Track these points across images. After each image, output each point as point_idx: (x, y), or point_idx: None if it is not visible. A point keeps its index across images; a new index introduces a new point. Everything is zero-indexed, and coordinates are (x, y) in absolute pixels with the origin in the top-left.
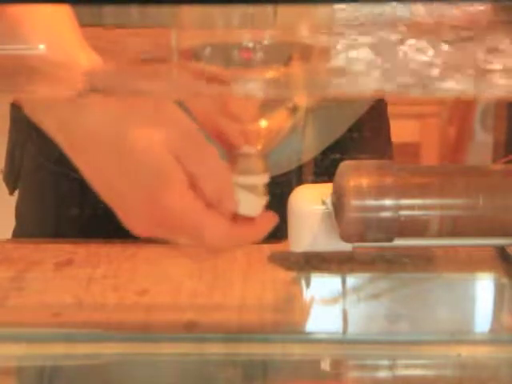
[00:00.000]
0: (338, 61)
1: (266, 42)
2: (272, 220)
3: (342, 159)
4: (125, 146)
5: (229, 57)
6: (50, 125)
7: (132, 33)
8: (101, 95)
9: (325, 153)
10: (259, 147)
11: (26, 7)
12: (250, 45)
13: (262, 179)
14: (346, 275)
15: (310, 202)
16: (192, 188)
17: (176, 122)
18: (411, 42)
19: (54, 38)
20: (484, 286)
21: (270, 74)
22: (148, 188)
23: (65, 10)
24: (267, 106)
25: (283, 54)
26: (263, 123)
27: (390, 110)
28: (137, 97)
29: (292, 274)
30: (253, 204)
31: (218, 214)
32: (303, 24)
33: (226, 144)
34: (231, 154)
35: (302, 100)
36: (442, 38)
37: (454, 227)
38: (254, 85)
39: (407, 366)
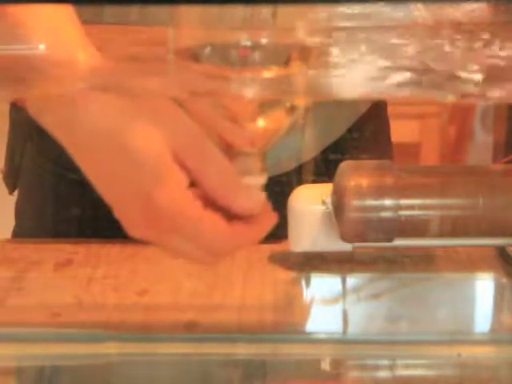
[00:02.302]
0: (338, 61)
1: (264, 42)
2: (271, 219)
3: (342, 159)
4: (123, 145)
5: (227, 56)
6: (50, 124)
7: (131, 31)
8: (101, 93)
9: (325, 153)
10: (257, 147)
11: (27, 7)
12: (249, 44)
13: (260, 179)
14: (346, 275)
15: (310, 202)
16: (191, 188)
17: (177, 122)
18: (412, 42)
19: (54, 36)
20: (484, 286)
21: (269, 73)
22: (146, 188)
23: (66, 8)
24: (265, 106)
25: (282, 54)
26: (261, 123)
27: (390, 110)
28: (136, 95)
29: (292, 274)
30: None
31: (217, 214)
32: (303, 24)
33: (224, 143)
34: (228, 153)
35: (300, 100)
36: (442, 37)
37: (454, 227)
38: (252, 84)
39: (407, 366)
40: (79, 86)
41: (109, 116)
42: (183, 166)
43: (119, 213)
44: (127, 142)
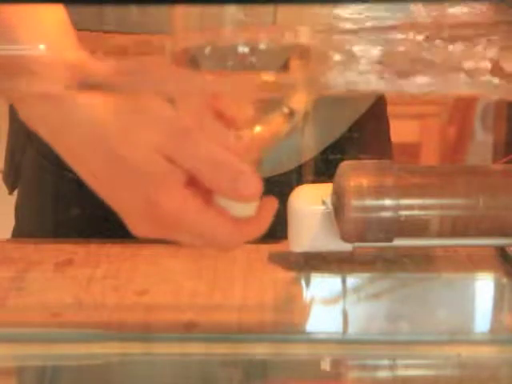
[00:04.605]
0: (337, 63)
1: (263, 44)
2: (272, 205)
3: (342, 159)
4: (116, 150)
5: (226, 58)
6: (43, 131)
7: (129, 36)
8: (93, 96)
9: (325, 153)
10: (253, 153)
11: (18, 9)
12: (248, 47)
13: None
14: (345, 275)
15: (310, 202)
16: (188, 187)
17: (167, 120)
18: (412, 41)
19: (45, 39)
20: (484, 286)
21: (268, 76)
22: (144, 190)
23: (57, 10)
24: (263, 112)
25: (282, 55)
26: (258, 129)
27: (390, 110)
28: (130, 97)
29: (292, 274)
30: (246, 207)
31: (218, 211)
32: (302, 25)
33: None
34: None
35: (298, 105)
36: (441, 37)
37: (454, 227)
38: (251, 87)
39: (407, 366)
40: (68, 89)
41: (98, 120)
42: (178, 165)
43: (121, 214)
44: (118, 145)
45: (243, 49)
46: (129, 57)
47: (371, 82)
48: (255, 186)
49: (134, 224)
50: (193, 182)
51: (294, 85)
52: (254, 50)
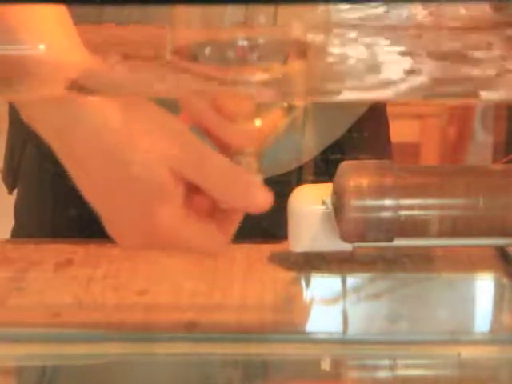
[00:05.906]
0: (336, 61)
1: (262, 40)
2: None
3: (342, 159)
4: (119, 155)
5: (226, 55)
6: (45, 133)
7: (128, 31)
8: (95, 97)
9: (325, 153)
10: (254, 147)
11: (18, 9)
12: (247, 43)
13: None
14: (345, 275)
15: (310, 202)
16: (186, 206)
17: (174, 133)
18: (411, 41)
19: (48, 40)
20: (484, 286)
21: (267, 72)
22: (141, 201)
23: (59, 10)
24: (262, 106)
25: (280, 52)
26: (258, 123)
27: (390, 110)
28: (131, 97)
29: (292, 274)
30: None
31: (213, 227)
32: (301, 22)
33: (221, 143)
34: (225, 153)
35: (299, 99)
36: (441, 38)
37: (454, 227)
38: (250, 84)
39: (407, 366)
40: (69, 91)
41: (103, 122)
42: (183, 178)
43: (108, 225)
44: (122, 155)
45: (243, 45)
46: (129, 53)
47: (368, 86)
48: (265, 197)
49: (122, 234)
50: (190, 199)
51: (293, 80)
52: (253, 46)
